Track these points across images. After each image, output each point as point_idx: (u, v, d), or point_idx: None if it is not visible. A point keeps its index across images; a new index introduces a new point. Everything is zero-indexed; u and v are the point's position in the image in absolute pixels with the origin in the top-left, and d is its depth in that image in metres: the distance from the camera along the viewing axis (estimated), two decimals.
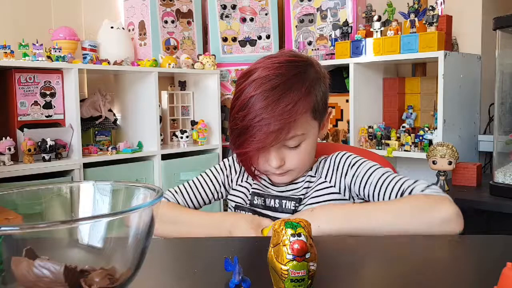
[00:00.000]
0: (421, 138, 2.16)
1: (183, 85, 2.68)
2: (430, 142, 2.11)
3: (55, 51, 1.98)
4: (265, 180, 1.10)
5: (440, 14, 2.13)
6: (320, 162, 1.09)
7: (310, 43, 2.59)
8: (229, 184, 1.16)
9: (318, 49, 2.55)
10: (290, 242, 0.52)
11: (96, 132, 2.32)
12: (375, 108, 2.46)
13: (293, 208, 1.04)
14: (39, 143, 1.90)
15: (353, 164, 1.03)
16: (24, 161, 1.88)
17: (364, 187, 0.99)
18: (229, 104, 2.76)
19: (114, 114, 2.40)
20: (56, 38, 2.16)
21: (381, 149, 2.25)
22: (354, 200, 1.05)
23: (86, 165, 2.05)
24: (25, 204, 0.61)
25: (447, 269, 0.70)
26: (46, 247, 0.50)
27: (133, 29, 2.50)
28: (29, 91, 1.95)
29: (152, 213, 0.53)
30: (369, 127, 2.32)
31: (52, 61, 1.95)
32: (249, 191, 1.11)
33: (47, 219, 0.62)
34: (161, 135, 2.38)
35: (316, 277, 0.54)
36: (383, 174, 0.98)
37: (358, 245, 0.86)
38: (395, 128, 2.34)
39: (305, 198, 1.04)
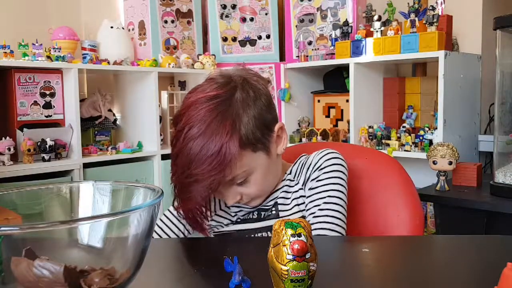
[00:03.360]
0: (421, 138, 2.16)
1: (183, 85, 2.68)
2: (431, 142, 2.10)
3: (55, 51, 1.98)
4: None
5: (440, 14, 2.13)
6: (300, 163, 1.02)
7: (310, 43, 2.59)
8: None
9: (318, 49, 2.55)
10: (290, 242, 0.52)
11: (96, 132, 2.32)
12: (375, 108, 2.46)
13: (273, 213, 1.00)
14: (39, 143, 1.90)
15: (317, 178, 0.97)
16: (24, 161, 1.88)
17: (307, 209, 0.96)
18: None
19: (114, 114, 2.40)
20: (56, 38, 2.16)
21: (381, 149, 2.25)
22: None
23: (86, 165, 2.05)
24: (25, 204, 0.61)
25: (447, 269, 0.70)
26: (46, 247, 0.50)
27: (133, 29, 2.50)
28: (28, 91, 1.94)
29: (152, 213, 0.53)
30: (369, 127, 2.32)
31: (52, 61, 1.95)
32: (232, 221, 1.03)
33: (47, 219, 0.62)
34: (161, 135, 2.38)
35: (316, 277, 0.54)
36: (329, 202, 0.94)
37: (358, 245, 0.85)
38: (395, 128, 2.34)
39: (283, 202, 1.00)
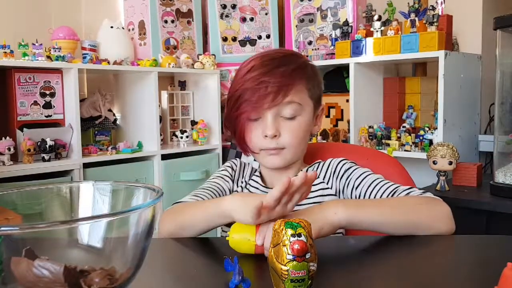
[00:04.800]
0: (421, 138, 2.16)
1: (183, 85, 2.68)
2: (431, 142, 2.10)
3: (55, 50, 1.98)
4: (259, 183, 1.10)
5: (440, 13, 2.13)
6: (315, 166, 1.10)
7: (310, 43, 2.59)
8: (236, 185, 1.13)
9: (318, 49, 2.55)
10: (290, 242, 0.52)
11: (96, 132, 2.32)
12: (375, 108, 2.46)
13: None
14: (39, 143, 1.90)
15: (348, 168, 1.05)
16: (24, 161, 1.88)
17: (357, 188, 1.01)
18: None
19: (114, 114, 2.40)
20: (56, 37, 2.16)
21: (381, 149, 2.25)
22: None
23: (86, 165, 2.05)
24: (25, 204, 0.61)
25: (447, 269, 0.70)
26: (45, 247, 0.50)
27: (133, 29, 2.50)
28: (28, 91, 1.94)
29: (152, 213, 0.53)
30: (370, 127, 2.32)
31: (52, 61, 1.95)
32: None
33: (47, 219, 0.62)
34: (161, 135, 2.38)
35: (316, 277, 0.54)
36: (377, 178, 1.01)
37: (358, 245, 0.85)
38: (396, 128, 2.34)
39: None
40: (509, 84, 1.90)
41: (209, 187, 1.08)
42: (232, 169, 1.14)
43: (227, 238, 0.77)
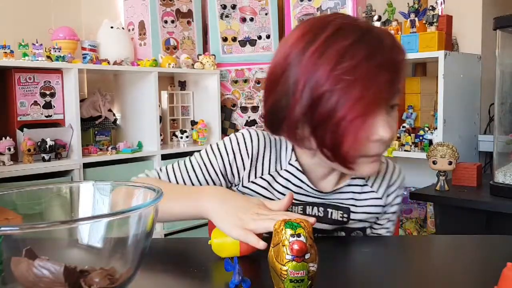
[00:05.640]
0: (421, 138, 2.16)
1: (183, 85, 2.68)
2: (430, 142, 2.10)
3: (55, 51, 1.98)
4: (297, 178, 0.88)
5: (440, 14, 2.13)
6: (381, 173, 0.94)
7: None
8: (233, 176, 0.90)
9: None
10: (290, 242, 0.52)
11: (96, 132, 2.32)
12: None
13: (340, 219, 0.88)
14: (39, 143, 1.90)
15: (397, 204, 0.94)
16: (24, 161, 1.88)
17: (381, 224, 0.94)
18: (229, 103, 2.77)
19: (114, 114, 2.40)
20: (56, 38, 2.16)
21: None
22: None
23: (86, 165, 2.05)
24: (25, 204, 0.61)
25: (447, 269, 0.70)
26: (46, 247, 0.50)
27: (133, 29, 2.50)
28: (28, 91, 1.94)
29: (152, 213, 0.53)
30: None
31: (52, 61, 1.95)
32: (275, 196, 0.88)
33: (47, 219, 0.62)
34: (161, 135, 2.38)
35: (316, 277, 0.54)
36: (392, 227, 0.96)
37: (358, 245, 0.85)
38: None
39: (354, 207, 0.90)
40: (509, 84, 1.90)
41: (201, 174, 0.89)
42: (257, 145, 0.89)
43: (209, 243, 0.74)
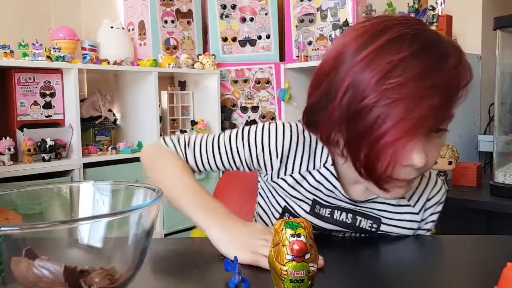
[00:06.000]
0: None
1: (183, 85, 2.68)
2: None
3: (55, 51, 1.98)
4: (330, 183, 0.84)
5: (440, 14, 2.13)
6: (421, 187, 0.89)
7: (310, 43, 2.59)
8: (259, 167, 0.87)
9: (318, 49, 2.55)
10: (290, 242, 0.52)
11: (96, 132, 2.32)
12: None
13: (369, 228, 0.85)
14: (39, 143, 1.90)
15: (434, 220, 0.90)
16: (24, 161, 1.88)
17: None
18: (229, 103, 2.78)
19: (114, 114, 2.40)
20: (56, 38, 2.16)
21: None
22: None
23: (86, 165, 2.05)
24: (25, 204, 0.61)
25: (447, 269, 0.70)
26: (46, 247, 0.50)
27: (133, 29, 2.50)
28: (28, 91, 1.94)
29: (152, 213, 0.53)
30: None
31: (52, 61, 1.95)
32: (304, 195, 0.86)
33: (47, 219, 0.62)
34: (161, 135, 2.38)
35: (316, 277, 0.54)
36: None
37: (358, 245, 0.85)
38: None
39: (385, 218, 0.86)
40: (509, 84, 1.90)
41: (227, 160, 0.87)
42: (289, 143, 0.84)
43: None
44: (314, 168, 0.84)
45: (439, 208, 0.91)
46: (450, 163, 1.89)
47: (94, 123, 2.29)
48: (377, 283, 0.66)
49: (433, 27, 2.08)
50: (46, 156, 1.90)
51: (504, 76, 1.89)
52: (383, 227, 0.85)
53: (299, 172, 0.85)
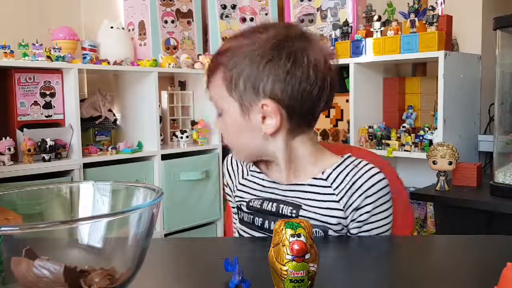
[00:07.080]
0: (421, 138, 2.16)
1: (183, 85, 2.68)
2: (430, 142, 2.10)
3: (55, 51, 1.98)
4: (266, 180, 0.97)
5: (440, 14, 2.13)
6: (344, 174, 0.89)
7: None
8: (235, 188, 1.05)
9: None
10: (290, 242, 0.52)
11: (96, 132, 2.32)
12: (375, 108, 2.46)
13: (289, 214, 0.91)
14: (39, 143, 1.90)
15: (371, 210, 0.87)
16: (24, 161, 1.88)
17: (360, 227, 0.88)
18: None
19: (114, 114, 2.40)
20: (56, 38, 2.16)
21: (381, 149, 2.25)
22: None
23: (86, 165, 2.05)
24: (25, 204, 0.61)
25: (447, 269, 0.70)
26: (46, 247, 0.50)
27: (133, 29, 2.50)
28: (28, 91, 1.94)
29: (152, 213, 0.53)
30: (369, 127, 2.32)
31: (52, 61, 1.95)
32: (249, 193, 0.99)
33: (47, 219, 0.62)
34: (161, 135, 2.38)
35: (316, 277, 0.54)
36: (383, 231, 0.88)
37: (358, 245, 0.85)
38: (395, 128, 2.34)
39: (306, 206, 0.90)
40: (509, 84, 1.90)
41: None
42: (228, 172, 1.07)
43: None
44: (243, 178, 1.02)
45: (373, 199, 0.87)
46: (450, 163, 1.89)
47: (94, 123, 2.29)
48: (377, 283, 0.66)
49: (433, 27, 2.08)
50: (46, 156, 1.90)
51: (504, 76, 1.89)
52: (302, 213, 0.90)
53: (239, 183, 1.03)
